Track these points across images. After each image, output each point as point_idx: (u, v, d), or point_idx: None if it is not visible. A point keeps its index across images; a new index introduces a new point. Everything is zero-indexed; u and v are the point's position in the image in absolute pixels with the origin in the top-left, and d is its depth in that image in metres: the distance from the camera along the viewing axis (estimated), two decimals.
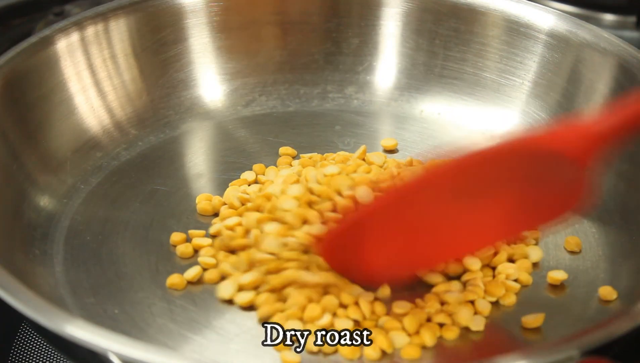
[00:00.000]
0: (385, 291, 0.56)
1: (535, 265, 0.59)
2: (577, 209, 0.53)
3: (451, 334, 0.54)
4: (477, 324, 0.55)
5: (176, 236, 0.60)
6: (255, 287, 0.56)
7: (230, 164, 0.66)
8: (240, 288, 0.56)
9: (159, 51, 0.69)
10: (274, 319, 0.55)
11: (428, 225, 0.54)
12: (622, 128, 0.50)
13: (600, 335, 0.47)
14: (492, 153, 0.52)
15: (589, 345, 0.46)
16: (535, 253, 0.59)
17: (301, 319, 0.54)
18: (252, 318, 0.55)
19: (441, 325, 0.55)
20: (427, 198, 0.53)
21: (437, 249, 0.56)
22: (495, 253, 0.58)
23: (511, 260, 0.59)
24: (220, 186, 0.64)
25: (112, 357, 0.47)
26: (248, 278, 0.56)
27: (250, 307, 0.56)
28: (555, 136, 0.51)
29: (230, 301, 0.56)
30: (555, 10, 0.68)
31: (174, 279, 0.57)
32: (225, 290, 0.56)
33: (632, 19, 0.81)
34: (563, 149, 0.51)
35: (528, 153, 0.51)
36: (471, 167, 0.52)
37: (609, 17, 0.82)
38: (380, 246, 0.56)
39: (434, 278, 0.57)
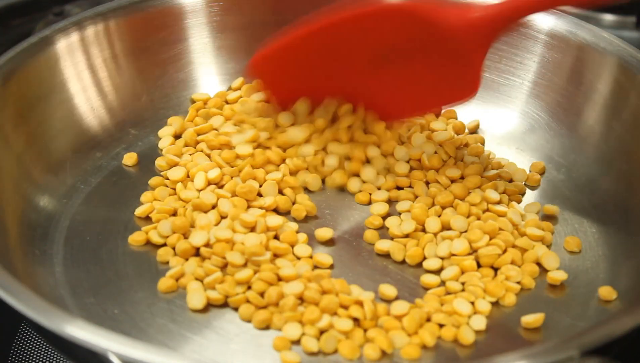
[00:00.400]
0: (386, 290, 0.56)
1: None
2: (468, 94, 0.62)
3: (451, 334, 0.54)
4: (479, 323, 0.55)
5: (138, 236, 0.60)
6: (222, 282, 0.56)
7: None
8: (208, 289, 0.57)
9: (158, 51, 0.69)
10: (272, 322, 0.55)
11: (343, 65, 0.64)
12: (507, 16, 0.58)
13: (600, 335, 0.47)
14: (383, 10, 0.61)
15: (589, 345, 0.46)
16: (552, 260, 0.59)
17: (300, 321, 0.54)
18: None
19: (441, 326, 0.55)
20: (344, 36, 0.62)
21: (352, 91, 0.65)
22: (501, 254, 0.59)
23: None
24: None
25: (112, 357, 0.47)
26: (211, 278, 0.56)
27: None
28: (447, 12, 0.59)
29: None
30: (555, 11, 0.68)
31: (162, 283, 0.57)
32: (196, 301, 0.56)
33: (632, 19, 0.81)
34: (451, 24, 0.59)
35: (415, 18, 0.60)
36: (365, 18, 0.61)
37: (608, 17, 0.82)
38: (307, 73, 0.64)
39: (431, 279, 0.57)
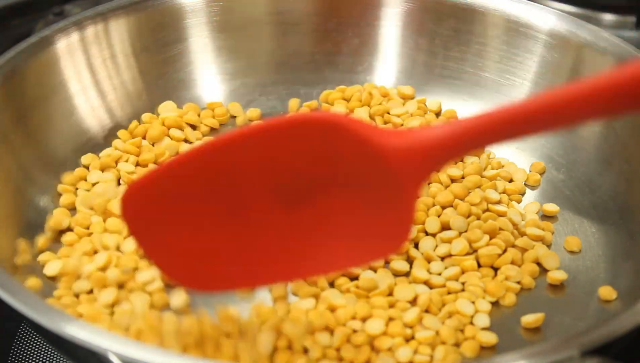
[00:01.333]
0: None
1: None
2: (397, 243, 0.48)
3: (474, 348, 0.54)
4: (483, 321, 0.55)
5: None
6: None
7: None
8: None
9: (158, 51, 0.69)
10: None
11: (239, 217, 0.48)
12: (455, 142, 0.45)
13: (600, 335, 0.47)
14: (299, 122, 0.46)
15: (589, 345, 0.46)
16: (552, 260, 0.59)
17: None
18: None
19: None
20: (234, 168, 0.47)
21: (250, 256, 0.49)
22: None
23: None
24: None
25: (112, 357, 0.47)
26: None
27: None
28: (378, 131, 0.46)
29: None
30: (555, 10, 0.68)
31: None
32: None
33: (632, 19, 0.81)
34: (381, 145, 0.45)
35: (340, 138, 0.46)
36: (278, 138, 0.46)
37: (608, 17, 0.82)
38: (190, 215, 0.48)
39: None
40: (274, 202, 0.48)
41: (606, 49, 0.65)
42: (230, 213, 0.48)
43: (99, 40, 0.67)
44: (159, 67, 0.69)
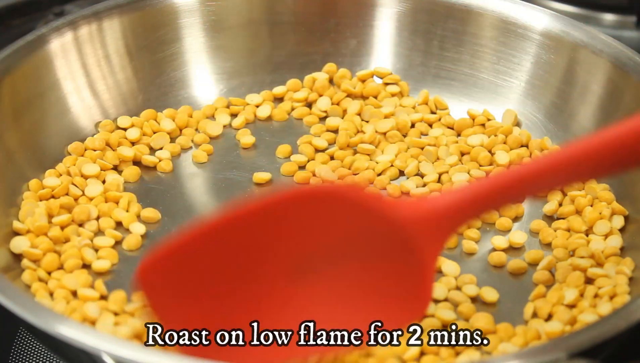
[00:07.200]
0: None
1: None
2: (417, 312, 0.47)
3: None
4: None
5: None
6: None
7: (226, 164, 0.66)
8: None
9: (153, 51, 0.69)
10: None
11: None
12: (469, 206, 0.47)
13: (587, 337, 0.47)
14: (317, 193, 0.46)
15: (576, 348, 0.46)
16: None
17: None
18: None
19: None
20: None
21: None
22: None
23: None
24: (216, 185, 0.65)
25: (105, 357, 0.47)
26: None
27: None
28: (390, 203, 0.47)
29: None
30: (550, 11, 0.68)
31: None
32: None
33: (632, 19, 0.81)
34: (397, 216, 0.46)
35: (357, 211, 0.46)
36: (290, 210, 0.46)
37: (609, 17, 0.82)
38: (205, 291, 0.48)
39: None
40: (289, 275, 0.47)
41: (601, 50, 0.65)
42: (244, 286, 0.47)
43: (93, 39, 0.67)
44: (154, 67, 0.69)
